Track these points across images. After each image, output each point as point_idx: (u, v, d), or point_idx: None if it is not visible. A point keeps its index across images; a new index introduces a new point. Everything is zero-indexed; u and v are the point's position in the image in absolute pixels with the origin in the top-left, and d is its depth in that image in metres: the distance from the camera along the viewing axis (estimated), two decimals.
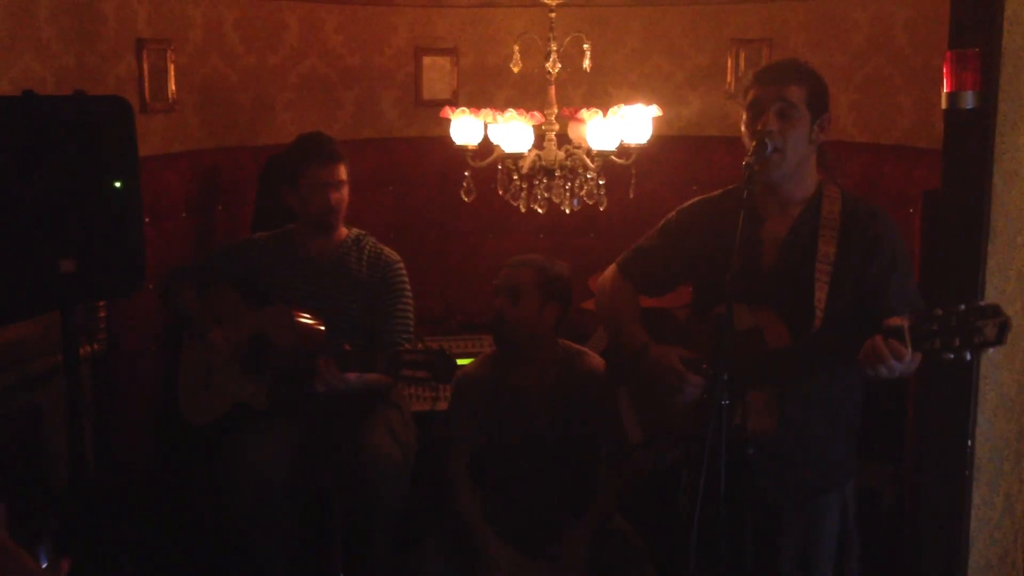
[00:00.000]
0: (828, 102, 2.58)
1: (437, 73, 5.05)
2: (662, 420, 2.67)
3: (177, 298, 3.56)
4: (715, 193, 2.74)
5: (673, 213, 2.81)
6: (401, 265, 3.57)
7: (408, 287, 3.55)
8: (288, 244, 3.58)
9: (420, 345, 2.96)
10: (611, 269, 2.90)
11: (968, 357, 2.17)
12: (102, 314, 3.75)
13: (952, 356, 2.17)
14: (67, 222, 2.79)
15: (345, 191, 3.53)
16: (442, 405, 3.89)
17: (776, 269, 2.57)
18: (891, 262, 2.51)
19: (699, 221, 2.71)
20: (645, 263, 2.82)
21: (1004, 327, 2.13)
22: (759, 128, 2.49)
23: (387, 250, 3.60)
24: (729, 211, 2.54)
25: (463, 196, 3.44)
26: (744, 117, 2.57)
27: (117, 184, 2.89)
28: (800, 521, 2.61)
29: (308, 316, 3.32)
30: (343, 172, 3.52)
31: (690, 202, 2.79)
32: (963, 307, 2.15)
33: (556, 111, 3.49)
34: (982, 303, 2.16)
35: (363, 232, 3.64)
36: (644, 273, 2.83)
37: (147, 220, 4.07)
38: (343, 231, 3.61)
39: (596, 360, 3.33)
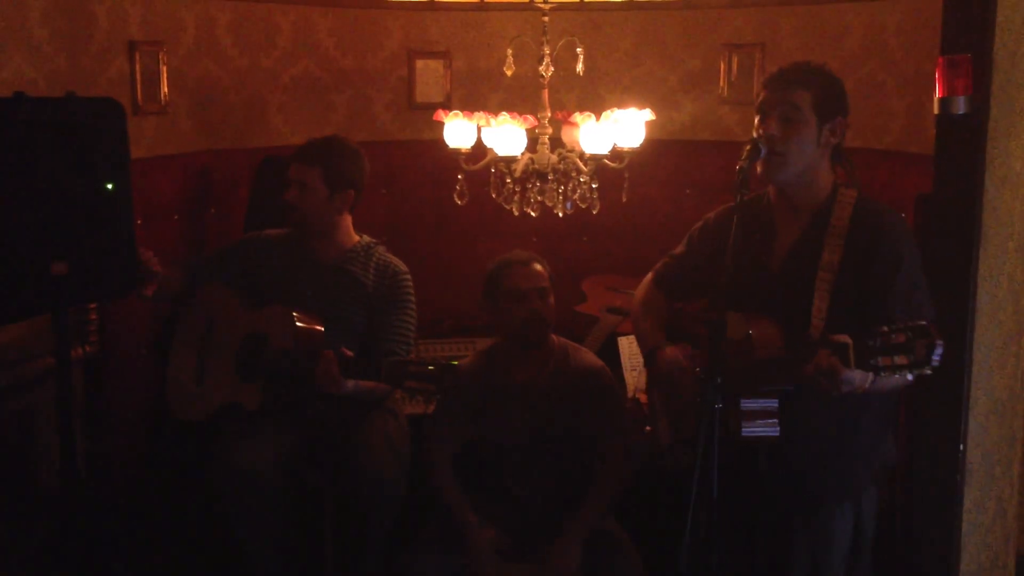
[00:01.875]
0: (844, 105, 2.57)
1: (430, 76, 5.05)
2: (684, 421, 2.68)
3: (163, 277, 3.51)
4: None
5: (699, 222, 2.87)
6: (408, 276, 3.54)
7: (412, 298, 3.52)
8: (295, 245, 3.55)
9: (431, 368, 2.94)
10: (648, 278, 2.99)
11: (910, 378, 2.11)
12: (94, 316, 3.74)
13: (896, 376, 2.11)
14: (58, 224, 2.78)
15: (306, 195, 3.44)
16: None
17: (781, 276, 2.57)
18: (895, 264, 2.46)
19: (722, 229, 2.71)
20: (675, 272, 2.90)
21: (931, 348, 2.04)
22: (761, 132, 2.49)
23: (395, 260, 3.57)
24: (748, 218, 2.54)
25: (456, 199, 3.44)
26: (755, 121, 2.58)
27: (109, 186, 2.88)
28: (810, 530, 2.59)
29: (307, 318, 3.31)
30: (302, 173, 3.45)
31: (715, 211, 2.83)
32: (899, 325, 2.08)
33: (549, 115, 3.50)
34: (917, 322, 2.08)
35: (374, 240, 3.60)
36: (674, 282, 2.91)
37: (139, 222, 4.06)
38: (354, 237, 3.57)
39: (590, 356, 3.35)
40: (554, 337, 3.34)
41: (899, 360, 2.07)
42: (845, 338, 2.19)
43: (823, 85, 2.54)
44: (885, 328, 2.10)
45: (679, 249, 2.92)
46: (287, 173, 3.50)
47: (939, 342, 2.04)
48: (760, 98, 2.57)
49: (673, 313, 2.89)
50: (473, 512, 3.20)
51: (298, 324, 3.26)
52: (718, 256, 2.65)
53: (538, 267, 3.29)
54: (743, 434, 2.41)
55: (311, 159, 3.47)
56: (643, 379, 2.99)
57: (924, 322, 2.07)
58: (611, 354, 3.92)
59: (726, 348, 2.28)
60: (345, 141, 3.62)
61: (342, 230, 3.54)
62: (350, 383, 3.13)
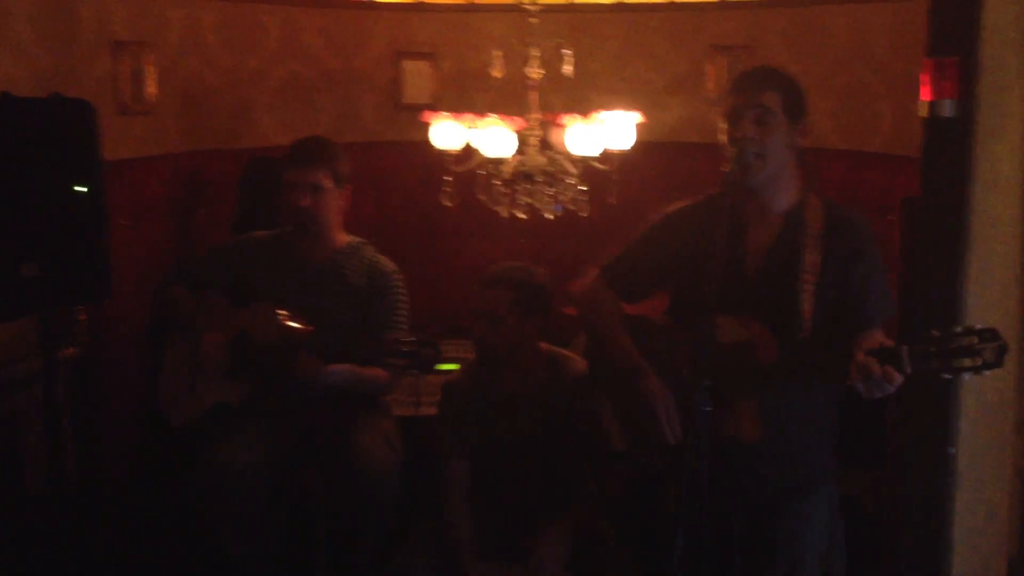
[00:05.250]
0: (805, 107, 2.59)
1: (417, 77, 5.04)
2: (647, 430, 2.67)
3: (171, 299, 3.49)
4: (698, 199, 2.73)
5: (656, 218, 2.79)
6: (398, 276, 3.49)
7: (404, 298, 3.48)
8: (282, 246, 3.51)
9: (410, 342, 2.94)
10: (592, 274, 2.87)
11: (967, 378, 2.24)
12: (82, 316, 3.71)
13: (950, 376, 2.21)
14: (29, 227, 2.75)
15: (320, 196, 3.38)
16: (425, 411, 3.87)
17: (761, 278, 2.57)
18: (871, 270, 2.52)
19: (681, 227, 2.70)
20: (627, 270, 2.81)
21: (1003, 350, 2.17)
22: (738, 136, 2.50)
23: (384, 260, 3.52)
24: (710, 217, 2.53)
25: (444, 201, 3.44)
26: (724, 127, 2.57)
27: (79, 189, 2.86)
28: (788, 521, 2.60)
29: (292, 314, 3.29)
30: (313, 175, 3.36)
31: (671, 208, 2.77)
32: (959, 329, 2.18)
33: (537, 116, 3.50)
34: (979, 326, 2.19)
35: (363, 240, 3.55)
36: (626, 280, 2.81)
37: (127, 223, 4.07)
38: (342, 237, 3.52)
39: (581, 364, 3.33)
40: (543, 346, 3.32)
41: (963, 363, 2.18)
42: (890, 343, 2.27)
43: (788, 86, 2.56)
44: (937, 333, 2.20)
45: (630, 247, 2.82)
46: (287, 179, 3.39)
47: (1006, 345, 2.18)
48: (729, 104, 2.56)
49: (641, 320, 2.84)
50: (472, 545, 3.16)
51: (282, 320, 3.24)
52: (676, 255, 2.67)
53: (498, 291, 3.14)
54: (740, 438, 2.43)
55: (316, 160, 3.39)
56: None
57: (992, 327, 2.19)
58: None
59: (725, 351, 2.29)
60: (330, 139, 3.57)
61: (335, 229, 3.52)
62: (338, 368, 3.11)
